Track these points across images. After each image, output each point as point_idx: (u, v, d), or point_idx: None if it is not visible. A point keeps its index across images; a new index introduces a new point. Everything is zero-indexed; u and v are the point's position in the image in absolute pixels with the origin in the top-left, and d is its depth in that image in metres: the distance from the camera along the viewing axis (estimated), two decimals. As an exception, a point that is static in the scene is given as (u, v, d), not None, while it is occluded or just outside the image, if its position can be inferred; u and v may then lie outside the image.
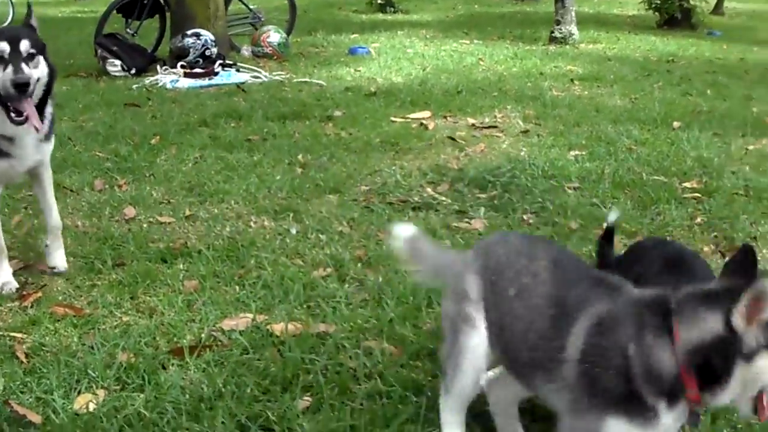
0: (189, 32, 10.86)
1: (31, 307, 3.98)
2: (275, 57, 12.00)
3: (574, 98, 9.61)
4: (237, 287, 4.20)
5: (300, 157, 6.59)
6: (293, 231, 4.95)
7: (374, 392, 3.23)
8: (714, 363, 2.36)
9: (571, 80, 10.95)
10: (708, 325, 2.35)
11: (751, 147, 7.49)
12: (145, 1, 11.83)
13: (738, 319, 2.28)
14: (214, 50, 10.80)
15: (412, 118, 8.05)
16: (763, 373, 2.32)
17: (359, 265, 4.43)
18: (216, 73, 10.51)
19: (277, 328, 3.73)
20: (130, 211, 5.30)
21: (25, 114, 3.93)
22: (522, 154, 6.85)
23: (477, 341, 2.79)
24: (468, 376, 2.83)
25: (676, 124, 8.21)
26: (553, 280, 2.68)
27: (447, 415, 2.95)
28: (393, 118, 7.99)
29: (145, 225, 5.08)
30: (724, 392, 2.37)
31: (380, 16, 20.57)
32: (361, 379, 3.33)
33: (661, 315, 2.46)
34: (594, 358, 2.49)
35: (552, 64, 12.22)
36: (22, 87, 3.88)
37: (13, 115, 3.94)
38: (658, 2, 18.94)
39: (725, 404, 2.41)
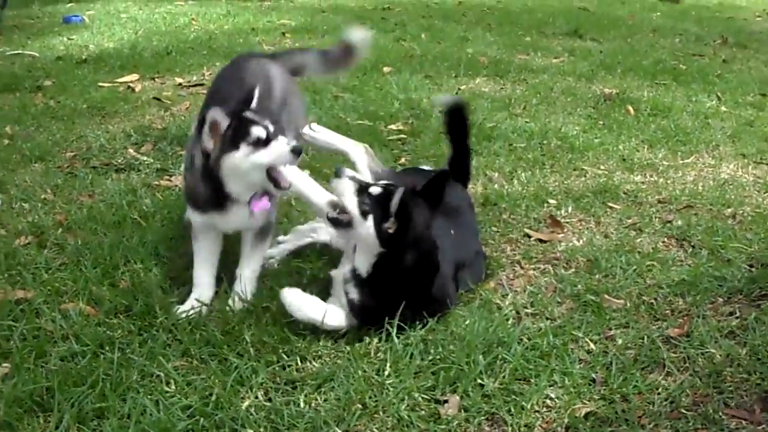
0: None
1: None
2: (-11, 31, 11.34)
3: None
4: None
5: (8, 128, 6.27)
6: (-2, 202, 4.74)
7: (69, 353, 3.15)
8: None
9: (283, 33, 10.91)
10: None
11: (463, 86, 7.74)
12: None
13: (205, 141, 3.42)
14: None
15: (120, 82, 7.80)
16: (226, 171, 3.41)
17: (60, 230, 4.28)
18: (-75, 51, 9.82)
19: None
20: None
21: None
22: (226, 109, 6.78)
23: None
24: None
25: (386, 69, 8.33)
26: None
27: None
28: (101, 84, 7.72)
29: None
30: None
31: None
32: (58, 341, 3.24)
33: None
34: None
35: (265, 19, 12.13)
36: None
37: None
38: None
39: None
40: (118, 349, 3.14)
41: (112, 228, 4.30)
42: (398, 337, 3.23)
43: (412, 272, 3.30)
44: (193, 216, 3.65)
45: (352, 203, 3.31)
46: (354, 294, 3.33)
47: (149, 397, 2.88)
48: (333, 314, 3.31)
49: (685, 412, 2.90)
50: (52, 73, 8.33)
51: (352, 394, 2.90)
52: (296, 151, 3.42)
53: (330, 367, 3.07)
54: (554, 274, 3.95)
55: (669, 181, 5.35)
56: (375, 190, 3.33)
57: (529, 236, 4.38)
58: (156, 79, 8.01)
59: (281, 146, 3.43)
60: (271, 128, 3.48)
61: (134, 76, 8.04)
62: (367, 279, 3.31)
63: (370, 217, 3.26)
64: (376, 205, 3.27)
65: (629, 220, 4.64)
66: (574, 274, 3.93)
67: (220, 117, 3.40)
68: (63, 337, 3.26)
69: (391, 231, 3.23)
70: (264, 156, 3.41)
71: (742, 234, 4.44)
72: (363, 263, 3.31)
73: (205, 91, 7.28)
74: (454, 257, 3.55)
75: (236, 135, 3.41)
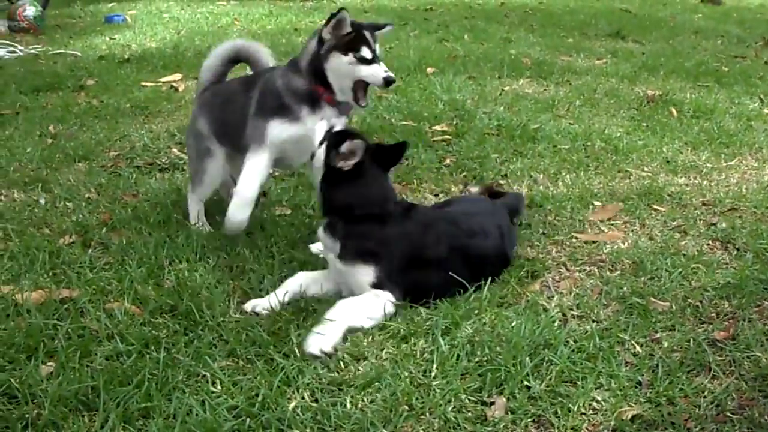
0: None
1: None
2: (32, 30, 11.44)
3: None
4: (-18, 262, 3.99)
5: (51, 128, 6.33)
6: (42, 201, 4.76)
7: (114, 352, 3.15)
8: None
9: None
10: (311, 47, 4.07)
11: (506, 88, 7.71)
12: None
13: (325, 31, 4.00)
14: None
15: (163, 82, 7.87)
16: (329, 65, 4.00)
17: (104, 229, 4.31)
18: (-29, 51, 9.94)
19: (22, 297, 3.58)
20: None
21: None
22: (269, 109, 6.80)
23: (214, 165, 4.38)
24: (207, 186, 4.43)
25: (430, 70, 8.33)
26: (242, 90, 4.27)
27: (192, 203, 4.46)
28: (144, 83, 7.79)
29: None
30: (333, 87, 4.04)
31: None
32: (103, 340, 3.24)
33: (294, 63, 4.14)
34: (262, 97, 4.11)
35: (308, 20, 12.17)
36: None
37: None
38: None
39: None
40: (163, 349, 3.13)
41: (157, 227, 4.33)
42: (444, 339, 3.22)
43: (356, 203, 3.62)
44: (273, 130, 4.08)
45: (318, 138, 3.77)
46: (331, 239, 3.62)
47: (195, 397, 2.87)
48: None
49: (731, 415, 2.86)
50: (95, 72, 8.42)
51: (398, 395, 2.88)
52: (389, 81, 4.03)
53: (376, 369, 3.06)
54: (600, 276, 3.92)
55: (713, 184, 5.30)
56: (336, 127, 3.82)
57: (576, 238, 4.35)
58: (198, 79, 8.01)
59: (378, 70, 4.02)
60: (378, 54, 4.05)
61: (178, 76, 8.10)
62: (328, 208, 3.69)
63: (323, 145, 3.68)
64: (331, 138, 3.67)
65: (674, 223, 4.60)
66: (619, 277, 3.90)
67: (346, 20, 4.02)
68: (108, 337, 3.26)
69: (335, 164, 3.58)
70: (362, 71, 4.00)
71: (787, 237, 4.39)
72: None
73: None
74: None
75: (350, 43, 3.99)
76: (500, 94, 7.43)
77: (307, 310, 3.49)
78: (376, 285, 3.48)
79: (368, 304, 3.41)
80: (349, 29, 4.02)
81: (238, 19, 12.39)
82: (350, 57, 3.98)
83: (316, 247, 4.06)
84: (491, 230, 3.88)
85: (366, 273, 3.50)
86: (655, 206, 4.83)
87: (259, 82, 4.21)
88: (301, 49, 4.19)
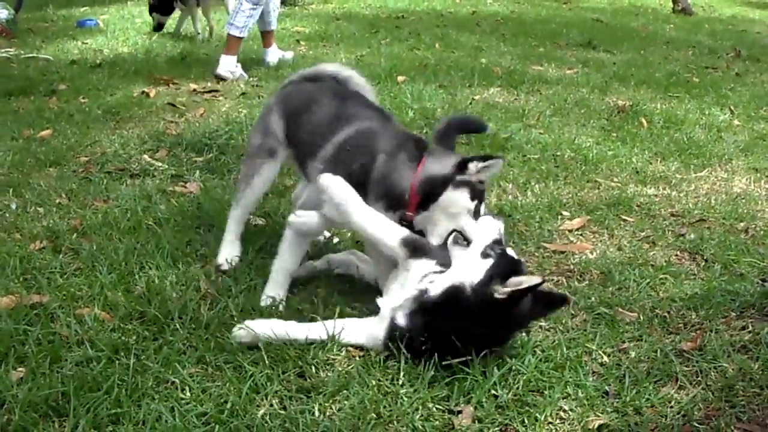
0: None
1: None
2: (4, 34, 11.34)
3: (298, 58, 9.61)
4: (-50, 268, 3.97)
5: (23, 132, 6.30)
6: (13, 206, 4.73)
7: (84, 358, 3.15)
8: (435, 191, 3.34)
9: (297, 41, 10.97)
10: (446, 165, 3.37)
11: (477, 97, 7.74)
12: None
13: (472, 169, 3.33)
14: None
15: (135, 87, 7.85)
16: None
17: (75, 235, 4.30)
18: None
19: (-9, 303, 3.57)
20: None
21: None
22: (241, 115, 6.82)
23: (271, 168, 3.95)
24: (255, 193, 4.02)
25: (400, 78, 8.34)
26: (333, 104, 3.74)
27: (232, 223, 4.05)
28: (116, 89, 7.77)
29: None
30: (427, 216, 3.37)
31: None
32: (73, 346, 3.24)
33: (418, 149, 3.45)
34: (350, 148, 3.50)
35: (280, 26, 12.14)
36: None
37: None
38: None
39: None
40: (133, 355, 3.13)
41: (127, 233, 4.32)
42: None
43: None
44: None
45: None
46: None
47: (164, 403, 2.87)
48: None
49: (697, 425, 2.90)
50: (67, 77, 8.37)
51: (366, 403, 2.91)
52: None
53: (344, 376, 3.08)
54: (568, 286, 3.96)
55: (682, 195, 5.36)
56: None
57: (544, 248, 4.38)
58: (170, 85, 8.02)
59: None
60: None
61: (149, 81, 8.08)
62: None
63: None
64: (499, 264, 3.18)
65: (642, 233, 4.65)
66: (587, 287, 3.94)
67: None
68: (78, 343, 3.26)
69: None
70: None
71: (755, 248, 4.45)
72: None
73: (219, 98, 7.36)
74: None
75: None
76: (470, 103, 7.47)
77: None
78: None
79: None
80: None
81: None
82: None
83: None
84: None
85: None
86: (624, 216, 4.88)
87: (356, 125, 3.63)
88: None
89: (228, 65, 8.48)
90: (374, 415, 2.86)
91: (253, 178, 3.97)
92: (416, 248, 3.29)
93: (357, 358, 3.23)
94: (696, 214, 4.97)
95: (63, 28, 12.20)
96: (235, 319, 3.45)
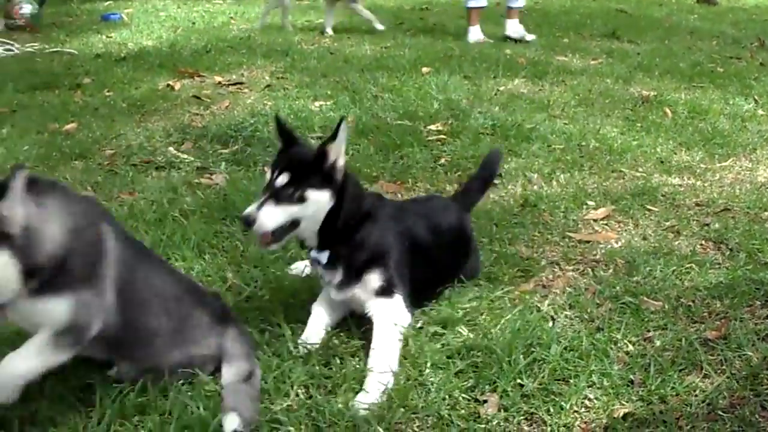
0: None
1: None
2: (29, 28, 11.44)
3: (323, 51, 9.62)
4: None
5: (48, 125, 6.34)
6: (39, 199, 4.77)
7: None
8: None
9: (321, 32, 10.96)
10: None
11: (502, 88, 7.72)
12: None
13: None
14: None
15: (159, 80, 7.88)
16: None
17: (101, 227, 4.32)
18: (-35, 49, 9.94)
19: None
20: None
21: None
22: (266, 107, 6.82)
23: None
24: None
25: (425, 69, 8.33)
26: None
27: None
28: (140, 82, 7.80)
29: None
30: None
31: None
32: None
33: None
34: None
35: (304, 19, 12.17)
36: None
37: None
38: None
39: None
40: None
41: (154, 225, 4.33)
42: (438, 338, 3.27)
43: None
44: None
45: None
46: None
47: (190, 393, 2.89)
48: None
49: (722, 414, 2.88)
50: (91, 70, 8.42)
51: (392, 392, 2.91)
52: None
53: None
54: (593, 275, 3.95)
55: (706, 184, 5.33)
56: None
57: (569, 237, 4.37)
58: (195, 78, 8.05)
59: None
60: None
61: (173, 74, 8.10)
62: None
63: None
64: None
65: (667, 223, 4.63)
66: (612, 276, 3.93)
67: None
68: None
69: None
70: None
71: (780, 238, 4.42)
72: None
73: (244, 90, 7.37)
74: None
75: None
76: (495, 94, 7.45)
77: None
78: (385, 289, 3.27)
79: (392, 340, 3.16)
80: None
81: (235, 18, 12.40)
82: None
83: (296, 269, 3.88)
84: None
85: (373, 280, 3.27)
86: (648, 206, 4.86)
87: None
88: None
89: (476, 35, 10.31)
90: (399, 404, 2.86)
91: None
92: None
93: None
94: (720, 203, 4.94)
95: (87, 22, 12.28)
96: (259, 312, 3.46)
